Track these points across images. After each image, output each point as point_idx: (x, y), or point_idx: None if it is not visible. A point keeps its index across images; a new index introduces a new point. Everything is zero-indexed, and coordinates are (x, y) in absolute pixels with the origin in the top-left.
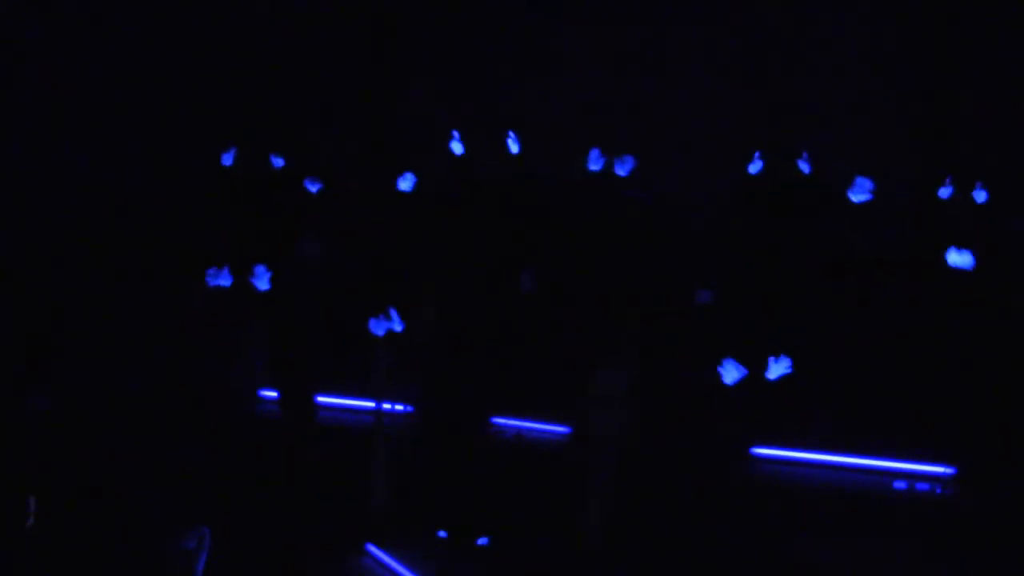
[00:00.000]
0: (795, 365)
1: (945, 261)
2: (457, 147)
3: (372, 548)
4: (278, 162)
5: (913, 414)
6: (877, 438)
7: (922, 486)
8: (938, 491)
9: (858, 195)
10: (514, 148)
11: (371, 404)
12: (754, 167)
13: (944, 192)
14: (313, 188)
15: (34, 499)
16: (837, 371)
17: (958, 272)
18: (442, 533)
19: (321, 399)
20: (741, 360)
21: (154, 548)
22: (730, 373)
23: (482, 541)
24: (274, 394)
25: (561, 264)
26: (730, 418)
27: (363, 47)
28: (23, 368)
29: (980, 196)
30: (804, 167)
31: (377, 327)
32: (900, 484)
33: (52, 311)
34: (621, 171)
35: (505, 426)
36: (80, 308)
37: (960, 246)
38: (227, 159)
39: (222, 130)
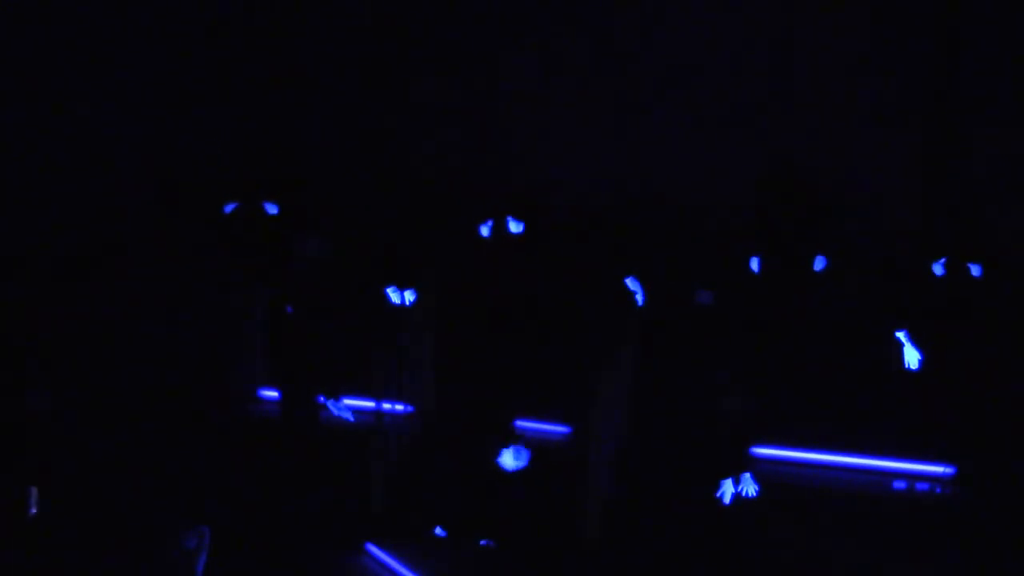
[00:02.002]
0: (795, 365)
1: (943, 265)
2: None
3: (372, 548)
4: (271, 209)
5: (913, 414)
6: (877, 438)
7: (922, 486)
8: (938, 491)
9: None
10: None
11: (371, 404)
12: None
13: (942, 193)
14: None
15: (36, 489)
16: (837, 371)
17: (958, 274)
18: (441, 532)
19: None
20: (741, 360)
21: (154, 548)
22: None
23: (482, 541)
24: (275, 394)
25: (561, 265)
26: (730, 419)
27: (363, 48)
28: (23, 368)
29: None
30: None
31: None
32: (900, 484)
33: (52, 311)
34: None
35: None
36: (80, 308)
37: (959, 247)
38: (228, 208)
39: (222, 130)
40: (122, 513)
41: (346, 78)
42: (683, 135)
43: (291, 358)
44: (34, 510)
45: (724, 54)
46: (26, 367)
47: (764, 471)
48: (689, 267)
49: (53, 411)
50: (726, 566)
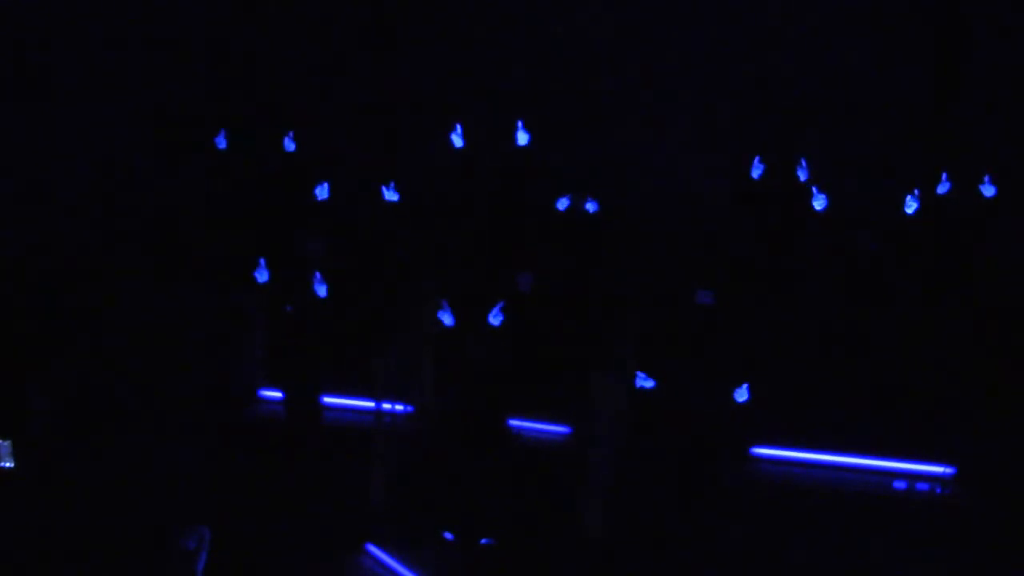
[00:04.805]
0: (796, 365)
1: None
2: (457, 140)
3: (372, 548)
4: (290, 146)
5: (913, 414)
6: (877, 438)
7: (922, 486)
8: (938, 491)
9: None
10: (522, 139)
11: (371, 404)
12: (755, 171)
13: (942, 189)
14: (316, 188)
15: (8, 443)
16: (837, 371)
17: (956, 271)
18: (448, 535)
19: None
20: (739, 360)
21: (154, 548)
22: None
23: (482, 541)
24: (277, 394)
25: (560, 264)
26: (729, 418)
27: (363, 42)
28: (23, 368)
29: (988, 191)
30: (801, 174)
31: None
32: (900, 484)
33: (53, 311)
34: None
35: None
36: (81, 308)
37: (958, 246)
38: (220, 141)
39: (225, 126)
40: (122, 513)
41: (346, 77)
42: (682, 135)
43: (291, 358)
44: (8, 464)
45: (724, 58)
46: (26, 367)
47: (764, 471)
48: (689, 267)
49: (53, 411)
50: (726, 566)
